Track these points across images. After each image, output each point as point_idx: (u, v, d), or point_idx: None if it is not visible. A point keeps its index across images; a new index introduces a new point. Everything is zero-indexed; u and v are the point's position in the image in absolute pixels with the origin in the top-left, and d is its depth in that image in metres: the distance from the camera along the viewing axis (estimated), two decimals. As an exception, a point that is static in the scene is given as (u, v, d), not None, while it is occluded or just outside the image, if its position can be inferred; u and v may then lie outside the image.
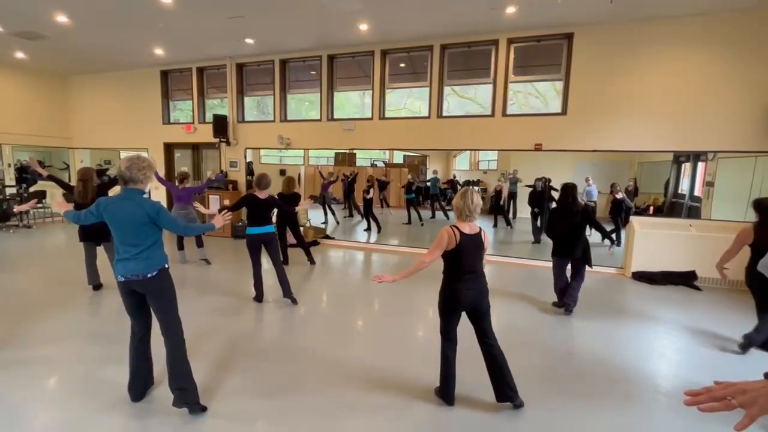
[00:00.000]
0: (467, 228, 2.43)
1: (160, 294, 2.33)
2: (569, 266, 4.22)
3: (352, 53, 7.20)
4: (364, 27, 6.08)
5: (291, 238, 6.11)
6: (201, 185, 6.81)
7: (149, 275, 2.27)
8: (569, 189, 4.05)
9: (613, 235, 6.50)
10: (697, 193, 6.90)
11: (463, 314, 2.54)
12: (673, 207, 7.71)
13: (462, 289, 2.42)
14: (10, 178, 9.00)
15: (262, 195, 4.22)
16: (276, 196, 4.72)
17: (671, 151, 6.20)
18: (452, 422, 2.40)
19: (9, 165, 9.06)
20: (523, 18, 5.57)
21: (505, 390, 2.48)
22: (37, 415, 2.37)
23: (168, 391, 2.36)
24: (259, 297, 4.37)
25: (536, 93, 7.37)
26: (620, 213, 7.07)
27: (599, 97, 5.74)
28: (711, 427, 2.38)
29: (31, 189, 9.01)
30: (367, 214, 8.39)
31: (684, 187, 7.49)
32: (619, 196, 7.03)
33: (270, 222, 4.33)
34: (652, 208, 8.38)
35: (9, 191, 8.78)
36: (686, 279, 5.35)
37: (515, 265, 6.29)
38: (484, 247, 2.48)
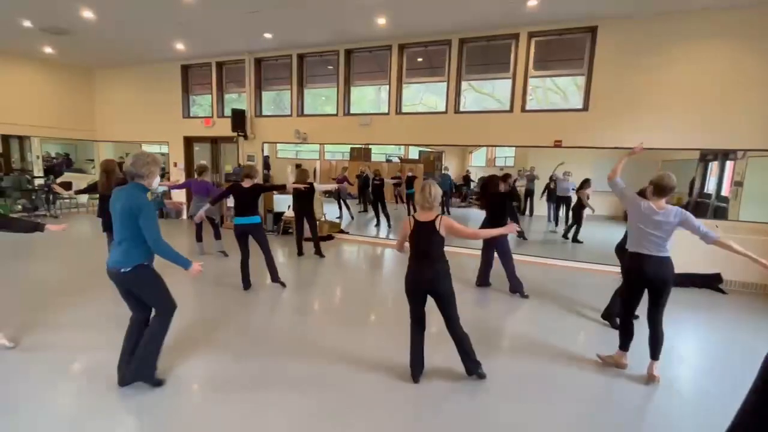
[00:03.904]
0: (422, 216, 2.59)
1: (140, 287, 2.45)
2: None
3: (369, 48, 7.17)
4: (382, 21, 6.03)
5: (307, 232, 6.16)
6: (215, 192, 6.67)
7: (122, 270, 2.35)
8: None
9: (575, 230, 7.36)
10: (724, 193, 6.63)
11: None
12: (698, 207, 7.44)
13: (416, 270, 2.62)
14: (38, 170, 9.35)
15: (246, 184, 4.34)
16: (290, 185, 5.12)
17: (699, 149, 5.97)
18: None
19: (38, 157, 9.40)
20: (545, 11, 5.44)
21: (467, 363, 2.73)
22: (60, 397, 2.46)
23: (183, 372, 2.40)
24: (245, 285, 4.47)
25: (555, 88, 7.20)
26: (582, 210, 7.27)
27: (623, 93, 5.57)
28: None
29: (58, 180, 9.32)
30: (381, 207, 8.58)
31: (710, 186, 7.22)
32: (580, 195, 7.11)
33: (255, 213, 4.41)
34: (675, 208, 8.11)
35: (37, 182, 9.12)
36: (709, 281, 5.17)
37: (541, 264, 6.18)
38: (441, 234, 2.55)
